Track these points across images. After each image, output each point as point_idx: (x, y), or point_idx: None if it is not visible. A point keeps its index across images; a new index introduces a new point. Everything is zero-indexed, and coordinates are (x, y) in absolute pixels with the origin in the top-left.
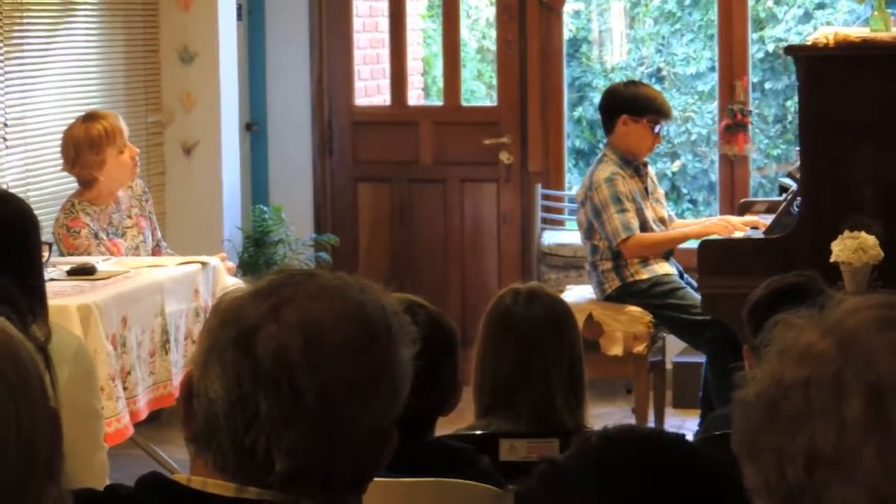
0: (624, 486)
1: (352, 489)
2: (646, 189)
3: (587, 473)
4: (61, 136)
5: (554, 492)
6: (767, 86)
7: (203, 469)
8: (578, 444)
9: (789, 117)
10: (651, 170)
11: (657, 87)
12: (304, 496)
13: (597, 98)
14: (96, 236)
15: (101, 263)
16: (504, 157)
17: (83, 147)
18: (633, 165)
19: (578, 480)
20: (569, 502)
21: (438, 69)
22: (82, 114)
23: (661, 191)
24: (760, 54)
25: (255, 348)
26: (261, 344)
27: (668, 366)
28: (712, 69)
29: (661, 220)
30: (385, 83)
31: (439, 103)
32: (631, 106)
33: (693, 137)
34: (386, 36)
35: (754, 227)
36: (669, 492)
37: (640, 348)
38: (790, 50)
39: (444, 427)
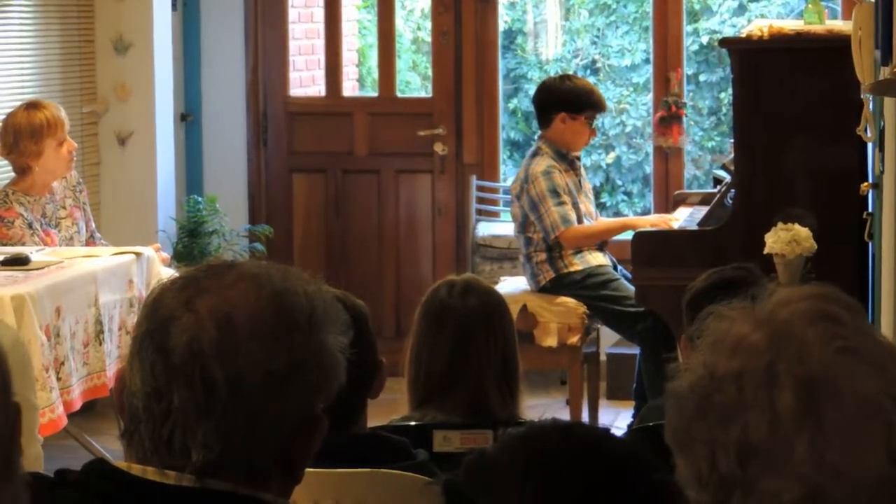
0: (547, 475)
1: (283, 476)
2: (578, 182)
3: (513, 463)
4: (1, 121)
5: (480, 480)
6: (702, 78)
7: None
8: (505, 436)
9: (723, 109)
10: (581, 164)
11: (592, 80)
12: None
13: (532, 89)
14: (30, 226)
15: (35, 254)
16: (439, 148)
17: (23, 134)
18: (568, 159)
19: (504, 470)
20: (495, 491)
21: (373, 60)
22: (25, 101)
23: (589, 185)
24: (695, 46)
25: (168, 340)
26: (174, 336)
27: (603, 357)
28: (647, 61)
29: (590, 215)
30: (320, 74)
31: (374, 94)
32: (569, 104)
33: (628, 129)
34: (321, 26)
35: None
36: (591, 482)
37: (574, 340)
38: (725, 42)
39: (379, 417)
